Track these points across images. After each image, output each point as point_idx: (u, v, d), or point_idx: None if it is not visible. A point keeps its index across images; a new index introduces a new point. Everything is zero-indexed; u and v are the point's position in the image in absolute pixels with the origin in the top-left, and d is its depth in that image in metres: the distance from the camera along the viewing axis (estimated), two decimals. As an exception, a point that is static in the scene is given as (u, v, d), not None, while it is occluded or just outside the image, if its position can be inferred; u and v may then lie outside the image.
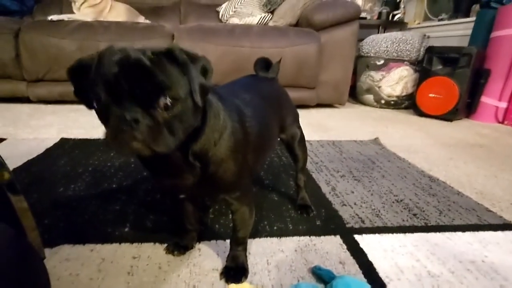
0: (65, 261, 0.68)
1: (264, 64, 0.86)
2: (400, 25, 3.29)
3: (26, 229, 0.61)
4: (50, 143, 1.41)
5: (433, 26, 3.06)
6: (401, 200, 1.04)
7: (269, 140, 0.75)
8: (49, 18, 2.23)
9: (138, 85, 0.39)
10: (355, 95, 2.89)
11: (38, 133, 1.60)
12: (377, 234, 0.84)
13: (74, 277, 0.64)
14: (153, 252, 0.73)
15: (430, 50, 2.41)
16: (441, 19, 3.01)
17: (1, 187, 0.56)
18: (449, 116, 2.29)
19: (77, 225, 0.82)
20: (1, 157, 0.56)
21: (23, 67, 2.14)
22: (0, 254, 0.49)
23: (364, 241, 0.81)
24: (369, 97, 2.72)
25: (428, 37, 2.61)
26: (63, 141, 1.45)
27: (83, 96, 0.45)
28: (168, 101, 0.41)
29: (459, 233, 0.85)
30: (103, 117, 0.43)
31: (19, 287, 0.46)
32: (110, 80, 0.39)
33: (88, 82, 0.41)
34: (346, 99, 2.57)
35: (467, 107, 2.35)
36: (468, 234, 0.85)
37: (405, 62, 2.54)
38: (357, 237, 0.82)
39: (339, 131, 1.89)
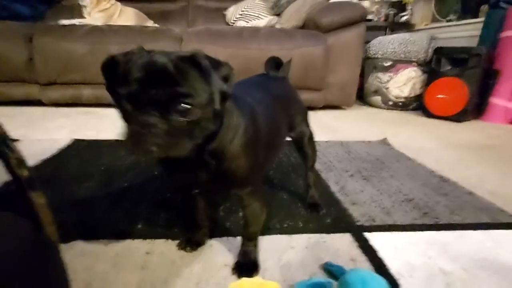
0: (80, 256, 0.69)
1: (275, 63, 0.87)
2: (407, 26, 3.28)
3: (44, 224, 0.63)
4: (62, 144, 1.44)
5: (441, 27, 3.05)
6: (411, 199, 1.03)
7: (279, 138, 0.76)
8: (61, 22, 2.28)
9: (160, 91, 0.41)
10: (362, 97, 2.89)
11: (51, 135, 1.63)
12: (387, 232, 0.84)
13: (90, 271, 0.65)
14: (166, 248, 0.74)
15: (438, 51, 2.40)
16: (449, 20, 3.00)
17: (21, 183, 0.58)
18: (458, 117, 2.27)
19: (90, 221, 0.83)
20: (21, 155, 0.58)
21: (36, 71, 2.19)
22: (21, 247, 0.51)
23: (375, 238, 0.81)
24: (377, 99, 2.71)
25: (436, 38, 2.59)
26: (75, 142, 1.48)
27: (114, 91, 0.46)
28: (189, 107, 0.42)
29: (471, 232, 0.85)
30: (125, 118, 0.45)
31: (39, 279, 0.47)
32: (134, 84, 0.41)
33: (116, 81, 0.43)
34: (354, 100, 2.57)
35: (476, 108, 2.32)
36: (480, 233, 0.84)
37: (413, 63, 2.54)
38: (367, 235, 0.82)
39: (347, 132, 1.89)
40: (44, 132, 1.68)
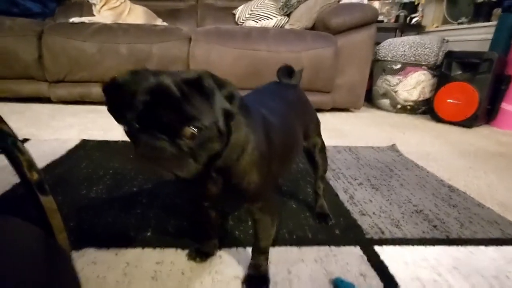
0: (92, 264, 0.70)
1: (287, 71, 0.86)
2: (418, 28, 3.24)
3: (55, 231, 0.63)
4: (71, 145, 1.45)
5: (452, 29, 3.01)
6: (420, 211, 1.02)
7: (294, 148, 0.75)
8: (71, 20, 2.28)
9: (166, 115, 0.41)
10: (370, 99, 2.86)
11: (60, 134, 1.64)
12: (397, 246, 0.83)
13: (102, 280, 0.65)
14: (176, 257, 0.74)
15: (449, 55, 2.37)
16: (461, 23, 2.95)
17: (31, 187, 0.58)
18: (468, 123, 2.25)
19: (101, 228, 0.84)
20: (31, 157, 0.58)
21: (45, 68, 2.20)
22: (31, 256, 0.51)
23: (385, 253, 0.80)
24: (385, 102, 2.69)
25: (447, 41, 2.56)
26: (84, 143, 1.49)
27: (116, 113, 0.46)
28: (194, 130, 0.43)
29: (482, 248, 0.84)
30: (132, 138, 0.45)
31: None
32: (140, 107, 0.41)
33: (120, 103, 0.43)
34: (362, 103, 2.55)
35: (487, 113, 2.30)
36: (491, 249, 0.84)
37: (423, 67, 2.51)
38: (377, 248, 0.82)
39: (355, 137, 1.88)
40: (52, 131, 1.69)
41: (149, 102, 0.41)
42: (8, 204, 0.94)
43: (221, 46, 2.18)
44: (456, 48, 2.64)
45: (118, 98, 0.44)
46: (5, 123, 0.47)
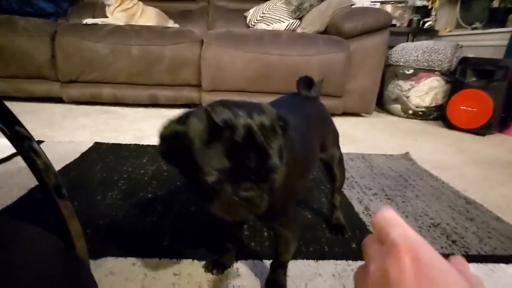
0: (110, 275, 0.70)
1: (307, 82, 0.85)
2: (431, 33, 3.20)
3: (73, 237, 0.62)
4: (85, 147, 1.46)
5: (465, 34, 2.96)
6: (437, 224, 1.01)
7: (313, 163, 0.75)
8: (84, 21, 2.30)
9: (253, 162, 0.41)
10: (381, 104, 2.83)
11: (73, 136, 1.65)
12: (415, 261, 0.82)
13: (120, 293, 0.65)
14: (193, 269, 0.74)
15: (464, 61, 2.34)
16: (475, 28, 2.91)
17: (48, 191, 0.57)
18: (481, 131, 2.21)
19: (118, 236, 0.84)
20: (48, 160, 0.57)
21: (58, 69, 2.22)
22: (53, 268, 0.51)
23: (403, 268, 0.79)
24: (396, 107, 2.67)
25: (461, 47, 2.52)
26: (97, 146, 1.49)
27: (175, 161, 0.46)
28: (275, 176, 0.44)
29: (503, 265, 0.82)
30: (207, 187, 0.43)
31: None
32: (223, 158, 0.40)
33: (193, 154, 0.41)
34: (373, 108, 2.53)
35: (501, 121, 2.26)
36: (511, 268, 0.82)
37: (436, 73, 2.47)
38: (395, 263, 0.80)
39: (367, 143, 1.86)
40: (65, 132, 1.71)
41: (236, 149, 0.40)
42: (25, 209, 0.94)
43: (233, 49, 2.18)
44: (469, 53, 2.60)
45: (182, 146, 0.42)
46: (21, 125, 0.46)
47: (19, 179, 1.10)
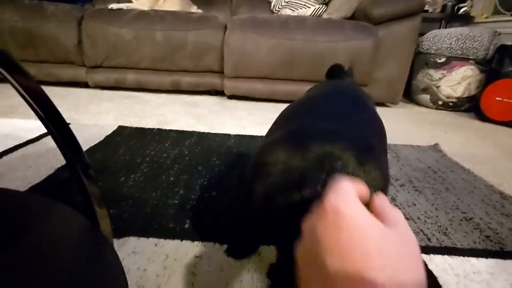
0: (133, 254, 0.70)
1: (338, 71, 0.80)
2: (466, 19, 3.01)
3: (98, 216, 0.63)
4: (109, 130, 1.48)
5: (504, 21, 2.77)
6: (470, 219, 0.95)
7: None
8: (109, 7, 2.31)
9: None
10: (408, 94, 2.72)
11: (98, 119, 1.68)
12: (446, 256, 0.78)
13: (142, 272, 0.65)
14: (214, 252, 0.73)
15: (502, 49, 2.19)
16: (515, 14, 2.72)
17: (76, 171, 0.57)
18: (517, 123, 2.08)
19: (140, 217, 0.84)
20: (77, 141, 0.57)
21: (84, 54, 2.25)
22: (81, 246, 0.51)
23: (433, 262, 0.75)
24: (425, 97, 2.55)
25: (499, 34, 2.36)
26: (121, 129, 1.51)
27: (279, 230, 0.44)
28: None
29: (543, 264, 0.77)
30: None
31: (97, 280, 0.47)
32: None
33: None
34: (400, 98, 2.42)
35: (540, 114, 2.11)
36: (554, 267, 0.76)
37: (470, 61, 2.33)
38: (424, 256, 0.77)
39: (394, 134, 1.79)
40: (90, 116, 1.74)
41: None
42: (52, 188, 0.96)
43: (256, 35, 2.13)
44: (507, 41, 2.43)
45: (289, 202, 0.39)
46: (56, 108, 0.46)
47: (46, 159, 1.13)
